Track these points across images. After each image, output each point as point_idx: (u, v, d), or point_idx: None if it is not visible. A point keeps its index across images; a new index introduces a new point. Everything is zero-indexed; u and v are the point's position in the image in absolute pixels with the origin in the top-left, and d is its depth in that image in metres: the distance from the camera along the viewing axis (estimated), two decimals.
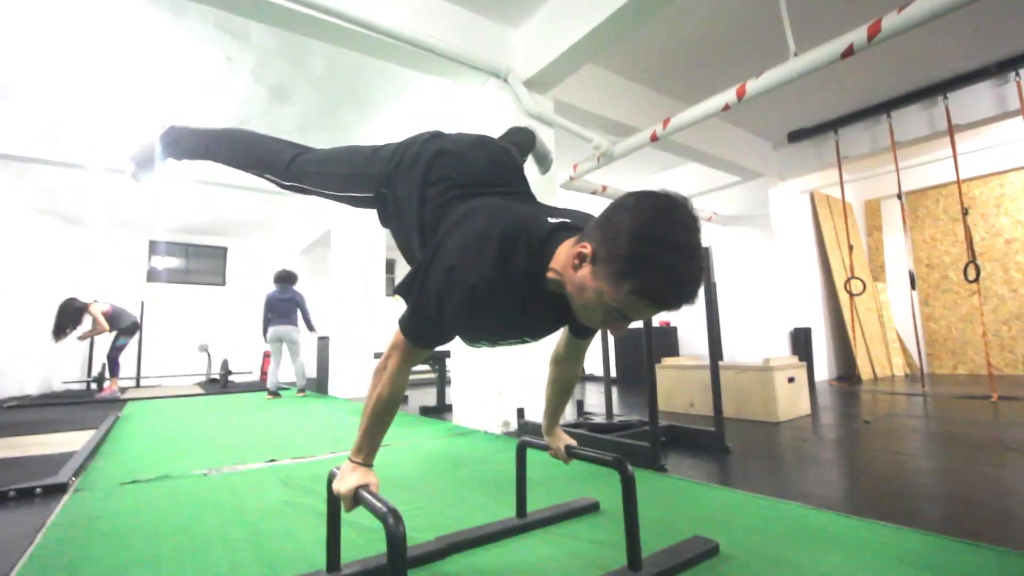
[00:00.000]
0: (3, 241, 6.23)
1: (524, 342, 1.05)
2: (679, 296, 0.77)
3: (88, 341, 7.29)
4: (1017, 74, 3.70)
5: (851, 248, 4.99)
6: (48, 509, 1.58)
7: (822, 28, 2.87)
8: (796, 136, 5.03)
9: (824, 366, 5.40)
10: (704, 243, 0.83)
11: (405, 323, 0.94)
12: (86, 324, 5.81)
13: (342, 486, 0.91)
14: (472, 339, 1.01)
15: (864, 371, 5.24)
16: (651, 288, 0.77)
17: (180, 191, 6.14)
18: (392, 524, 0.75)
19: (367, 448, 0.97)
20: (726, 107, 2.83)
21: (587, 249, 0.81)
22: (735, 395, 3.19)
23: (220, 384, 7.18)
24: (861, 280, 4.59)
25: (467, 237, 0.89)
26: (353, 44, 2.77)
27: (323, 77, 3.75)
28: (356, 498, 0.88)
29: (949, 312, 5.99)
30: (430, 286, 0.88)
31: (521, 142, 1.64)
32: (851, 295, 4.65)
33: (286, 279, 5.66)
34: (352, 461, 0.95)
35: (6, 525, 1.47)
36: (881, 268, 6.47)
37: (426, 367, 4.33)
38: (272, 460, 2.25)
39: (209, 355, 8.27)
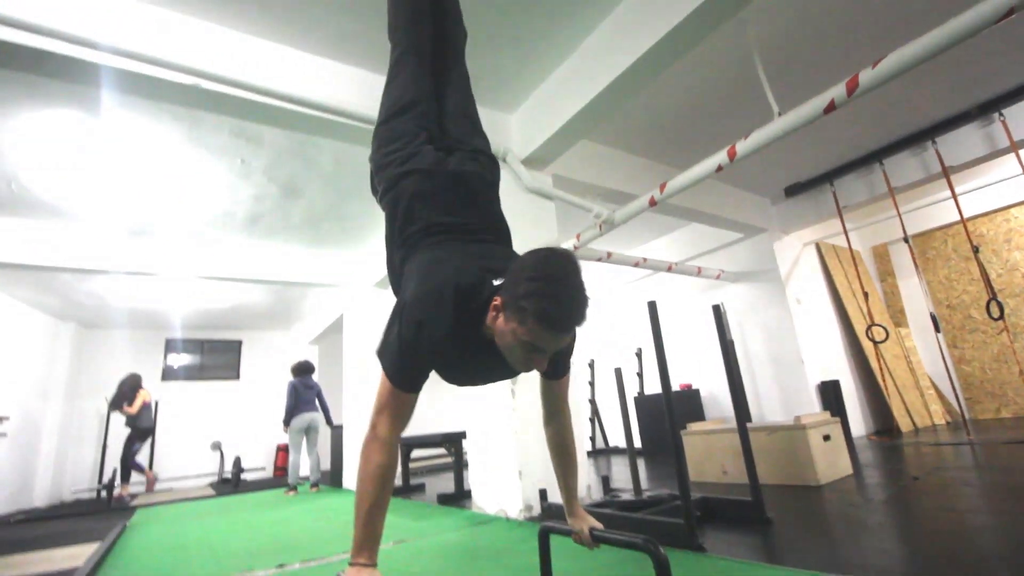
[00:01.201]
0: (24, 348, 6.34)
1: (492, 381, 1.21)
2: (568, 316, 0.96)
3: (100, 446, 7.20)
4: (1000, 114, 3.79)
5: (866, 295, 4.91)
6: None
7: (803, 86, 2.99)
8: (793, 190, 5.11)
9: (859, 420, 5.13)
10: (584, 279, 1.01)
11: (388, 366, 1.05)
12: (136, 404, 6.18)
13: None
14: (447, 378, 1.15)
15: (902, 422, 4.97)
16: (544, 314, 0.94)
17: (196, 287, 6.28)
18: None
19: (369, 542, 0.91)
20: (719, 168, 2.89)
21: (498, 301, 1.01)
22: (769, 458, 3.01)
23: (232, 484, 6.97)
24: (883, 327, 4.47)
25: (422, 295, 1.05)
26: (359, 139, 2.92)
27: (331, 172, 3.93)
28: None
29: (980, 352, 5.76)
30: (401, 336, 1.02)
31: None
32: (875, 343, 4.51)
33: (307, 369, 5.76)
34: (355, 564, 0.88)
35: None
36: (901, 313, 6.32)
37: (442, 451, 4.17)
38: (282, 565, 2.12)
39: (222, 453, 8.10)
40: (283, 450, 8.64)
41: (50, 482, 6.73)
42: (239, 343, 9.01)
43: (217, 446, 8.18)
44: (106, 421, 7.31)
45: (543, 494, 2.68)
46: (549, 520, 1.35)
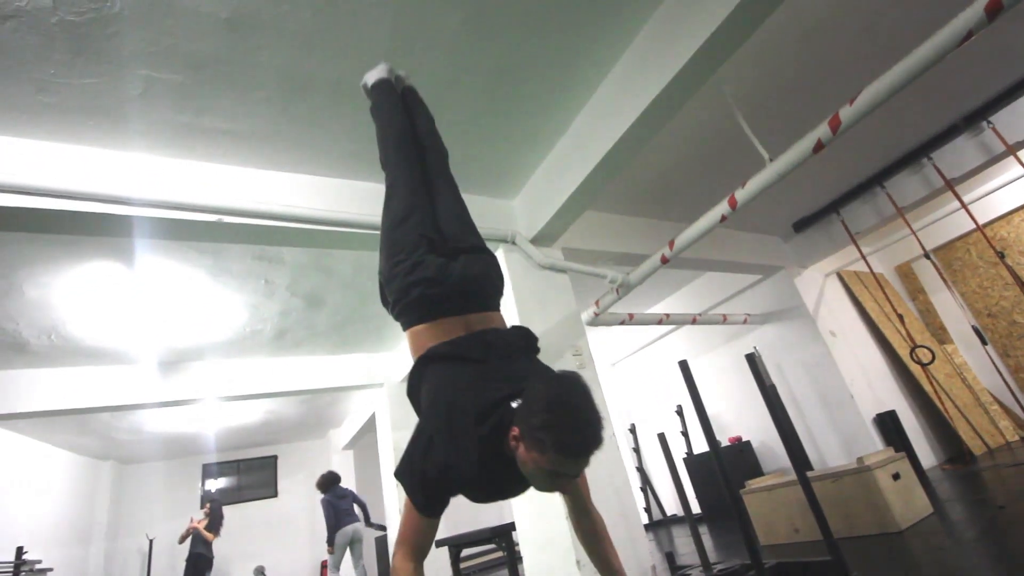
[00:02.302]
0: (63, 493, 6.36)
1: (514, 496, 1.22)
2: (586, 442, 1.00)
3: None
4: (988, 122, 3.85)
5: (901, 317, 4.78)
6: None
7: (789, 129, 3.10)
8: (801, 225, 5.13)
9: (926, 450, 4.80)
10: (595, 400, 1.05)
11: (411, 492, 1.08)
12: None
13: None
14: (472, 499, 1.16)
15: (973, 445, 4.64)
16: (563, 445, 0.98)
17: (229, 408, 6.34)
18: None
19: None
20: (723, 218, 2.94)
21: (516, 432, 1.04)
22: (840, 507, 2.81)
23: None
24: (927, 347, 4.30)
25: (444, 432, 1.09)
26: (373, 246, 3.04)
27: (350, 278, 4.07)
28: None
29: None
30: (426, 472, 1.07)
31: None
32: (922, 365, 4.32)
33: (334, 480, 5.71)
34: None
35: None
36: (942, 330, 6.09)
37: (491, 546, 3.96)
38: None
39: None
40: (326, 566, 8.28)
41: None
42: (274, 459, 8.93)
43: (260, 571, 7.87)
44: (148, 559, 7.15)
45: None
46: None
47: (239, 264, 3.55)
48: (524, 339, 1.34)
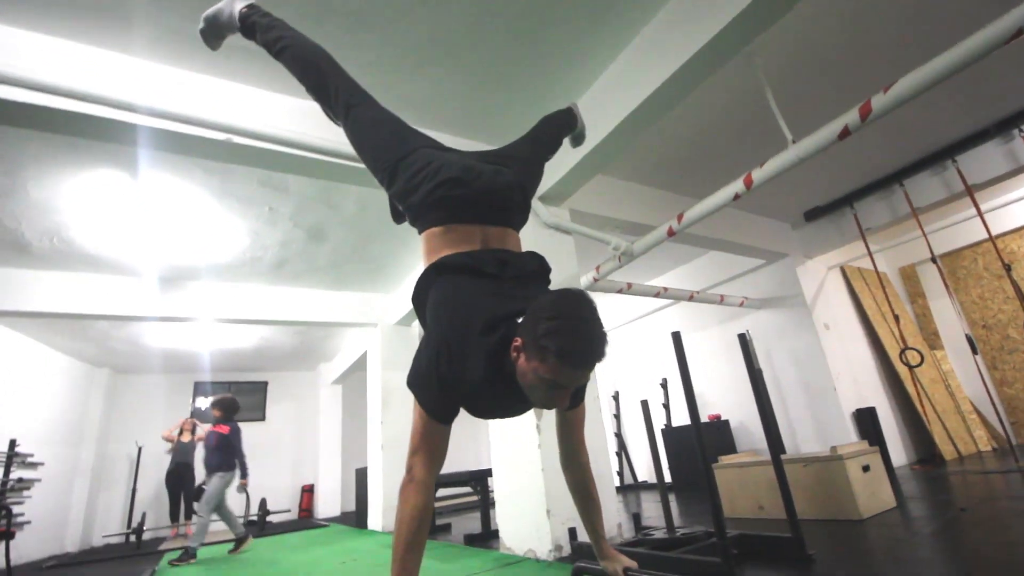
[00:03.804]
0: (59, 395, 6.53)
1: (515, 415, 1.24)
2: (589, 352, 1.00)
3: (130, 491, 7.29)
4: (1021, 130, 3.75)
5: (897, 318, 4.79)
6: None
7: (816, 112, 3.02)
8: (813, 215, 5.07)
9: (899, 449, 4.93)
10: (600, 316, 1.05)
11: (423, 398, 1.07)
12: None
13: None
14: (472, 411, 1.17)
15: (945, 450, 4.76)
16: (565, 352, 0.97)
17: (224, 330, 6.43)
18: None
19: None
20: (736, 197, 2.90)
21: (518, 342, 1.04)
22: (807, 491, 2.90)
23: (258, 527, 6.94)
24: (917, 350, 4.33)
25: (452, 337, 1.09)
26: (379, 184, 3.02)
27: (354, 216, 4.05)
28: None
29: (1022, 374, 5.52)
30: (441, 375, 1.06)
31: (560, 128, 1.86)
32: (910, 367, 4.37)
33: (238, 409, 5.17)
34: None
35: None
36: (935, 335, 6.13)
37: (467, 489, 4.11)
38: None
39: (248, 495, 8.08)
40: (308, 491, 8.62)
41: (81, 527, 6.79)
42: (265, 384, 9.13)
43: (243, 488, 8.17)
44: (136, 465, 7.42)
45: (572, 533, 2.62)
46: (580, 560, 1.32)
47: (244, 188, 3.52)
48: (539, 265, 1.31)
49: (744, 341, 2.37)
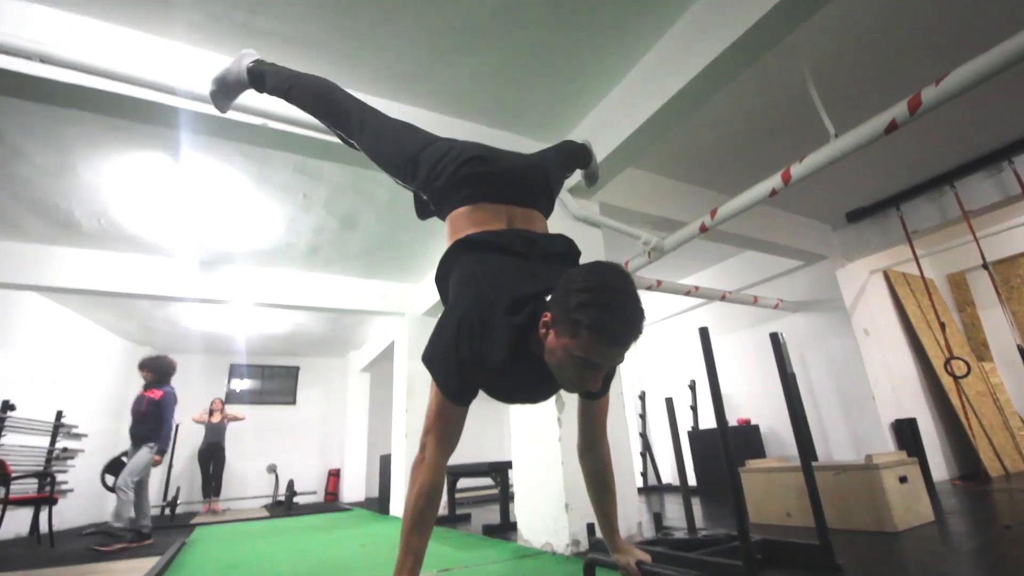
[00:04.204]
0: (103, 370, 6.84)
1: (538, 400, 1.19)
2: (625, 328, 0.91)
3: (167, 466, 7.59)
4: None
5: (943, 326, 4.56)
6: None
7: (861, 106, 2.88)
8: (855, 216, 4.87)
9: (940, 463, 4.69)
10: (637, 289, 0.98)
11: (439, 376, 1.02)
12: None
13: None
14: (494, 394, 1.11)
15: (991, 466, 4.51)
16: (600, 326, 0.90)
17: (259, 314, 6.62)
18: None
19: (411, 561, 0.90)
20: (773, 193, 2.80)
21: (547, 317, 0.98)
22: (838, 500, 2.79)
23: (285, 506, 7.13)
24: (964, 360, 4.11)
25: (474, 314, 1.03)
26: None
27: (386, 204, 4.09)
28: None
29: None
30: (460, 354, 1.00)
31: (575, 155, 1.77)
32: (955, 378, 4.15)
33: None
34: None
35: None
36: (984, 346, 5.81)
37: (488, 481, 4.12)
38: None
39: (277, 476, 8.34)
40: (334, 475, 8.81)
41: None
42: (296, 369, 9.36)
43: (272, 469, 8.43)
44: (173, 442, 7.71)
45: (591, 528, 2.59)
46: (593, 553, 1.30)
47: (281, 174, 3.59)
48: (568, 247, 1.25)
49: (776, 341, 2.28)
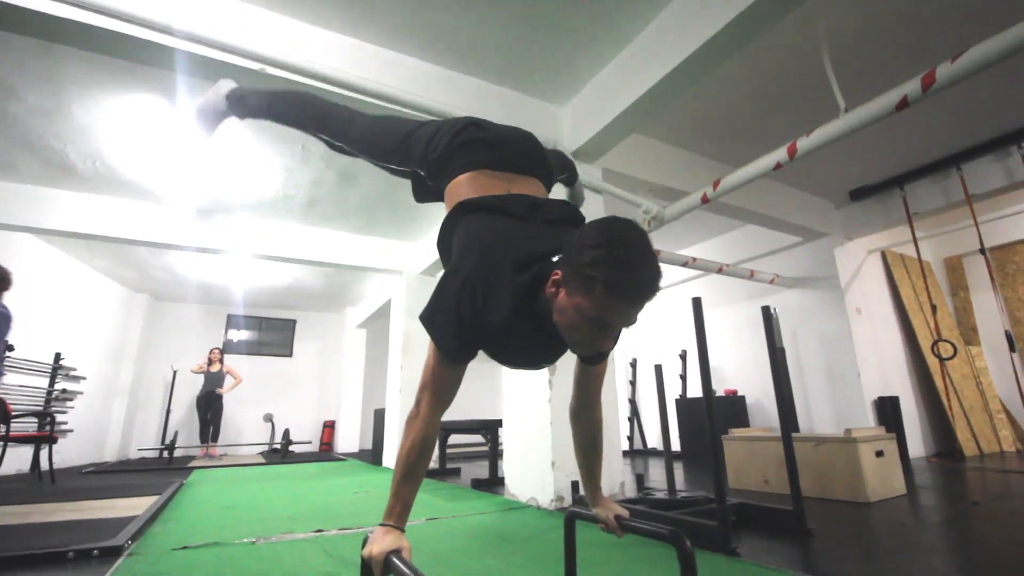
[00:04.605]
0: (101, 316, 6.88)
1: (540, 365, 1.17)
2: (642, 284, 0.86)
3: (165, 411, 7.73)
4: None
5: (934, 309, 4.60)
6: (101, 572, 1.61)
7: (873, 82, 2.83)
8: (859, 194, 4.84)
9: (918, 441, 4.83)
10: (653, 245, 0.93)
11: (437, 335, 1.00)
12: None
13: (373, 550, 0.86)
14: (496, 356, 1.09)
15: (967, 446, 4.64)
16: (616, 281, 0.85)
17: (257, 266, 6.62)
18: None
19: (400, 507, 0.93)
20: (778, 166, 2.78)
21: (558, 275, 0.93)
22: (815, 471, 2.89)
23: (280, 454, 7.31)
24: (951, 343, 4.17)
25: (478, 270, 0.99)
26: None
27: None
28: (387, 564, 0.84)
29: None
30: (460, 312, 0.97)
31: (564, 165, 1.72)
32: (941, 360, 4.23)
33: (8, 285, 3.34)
34: (384, 524, 0.92)
35: None
36: (973, 331, 5.88)
37: (478, 438, 4.23)
38: (319, 530, 2.22)
39: (273, 425, 8.52)
40: (329, 426, 9.01)
41: (120, 439, 7.30)
42: (293, 322, 9.44)
43: (269, 418, 8.61)
44: (171, 387, 7.85)
45: (575, 486, 2.68)
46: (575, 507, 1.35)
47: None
48: (572, 212, 1.20)
49: (768, 314, 2.31)
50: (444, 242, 1.24)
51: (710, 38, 2.28)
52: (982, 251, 4.17)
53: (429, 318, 1.01)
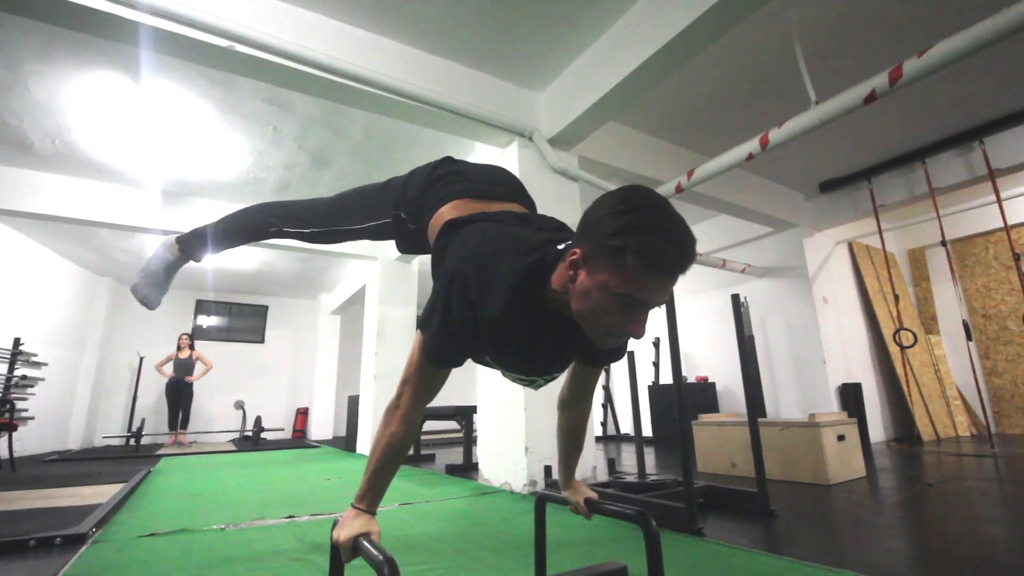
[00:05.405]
0: (62, 300, 6.64)
1: (537, 378, 1.04)
2: (679, 251, 0.76)
3: (131, 398, 7.53)
4: None
5: (897, 298, 4.77)
6: (64, 560, 1.57)
7: (843, 75, 2.88)
8: (828, 186, 4.95)
9: (879, 426, 5.03)
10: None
11: (429, 338, 0.91)
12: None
13: (342, 533, 0.86)
14: (499, 362, 1.00)
15: (924, 431, 4.85)
16: (650, 248, 0.74)
17: (226, 252, 6.44)
18: (387, 574, 0.70)
19: (372, 494, 0.92)
20: (750, 156, 2.83)
21: (577, 253, 0.81)
22: (780, 454, 2.98)
23: (252, 441, 7.22)
24: (911, 331, 4.34)
25: (472, 264, 0.91)
26: (387, 110, 2.94)
27: (360, 143, 3.96)
28: (355, 547, 0.84)
29: (1012, 366, 5.55)
30: (450, 310, 0.88)
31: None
32: (902, 348, 4.39)
33: None
34: (355, 508, 0.91)
35: (22, 573, 1.46)
36: (933, 320, 6.12)
37: (453, 424, 4.24)
38: (291, 516, 2.20)
39: (244, 412, 8.39)
40: (302, 413, 8.92)
41: (84, 427, 7.09)
42: (265, 308, 9.26)
43: (240, 405, 8.47)
44: (137, 374, 7.64)
45: (548, 471, 2.72)
46: (545, 491, 1.38)
47: (248, 104, 3.43)
48: (561, 224, 1.12)
49: (737, 303, 2.36)
50: (438, 262, 1.11)
51: (686, 27, 2.29)
52: (943, 243, 4.32)
53: (424, 321, 0.93)
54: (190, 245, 1.56)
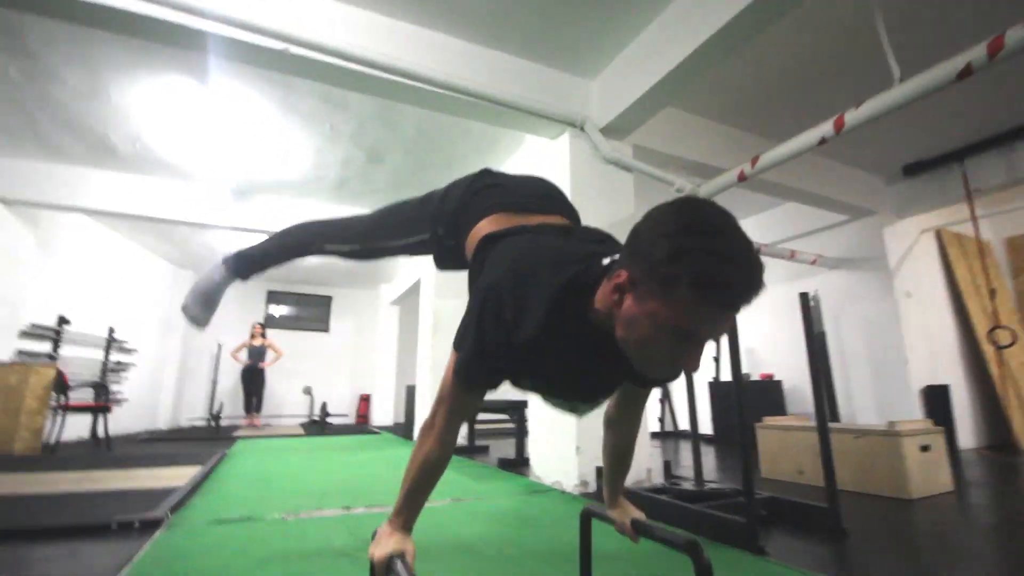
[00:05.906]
0: (148, 291, 7.20)
1: (580, 404, 1.00)
2: (743, 280, 0.65)
3: (211, 382, 8.10)
4: None
5: (993, 293, 4.30)
6: (140, 543, 1.69)
7: (932, 47, 2.59)
8: (913, 169, 4.52)
9: (968, 432, 4.58)
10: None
11: (460, 360, 0.88)
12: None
13: (377, 551, 0.86)
14: (534, 387, 0.96)
15: (1023, 439, 4.38)
16: (708, 276, 0.64)
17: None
18: None
19: (407, 512, 0.91)
20: (822, 141, 2.60)
21: (623, 276, 0.73)
22: (854, 464, 2.76)
23: (319, 426, 7.57)
24: (1010, 329, 3.90)
25: (507, 282, 0.85)
26: (439, 106, 2.95)
27: (413, 139, 4.01)
28: (389, 566, 0.83)
29: None
30: (483, 330, 0.84)
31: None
32: (998, 347, 3.96)
33: None
34: (391, 524, 0.90)
35: (101, 556, 1.59)
36: None
37: (504, 416, 4.25)
38: (347, 507, 2.27)
39: (312, 397, 8.82)
40: (365, 400, 9.27)
41: (171, 409, 7.71)
42: (329, 299, 9.67)
43: (308, 390, 8.92)
44: (216, 360, 8.19)
45: (599, 472, 2.66)
46: (592, 503, 1.32)
47: (306, 103, 3.53)
48: (606, 235, 1.04)
49: (805, 300, 2.20)
50: (476, 278, 1.07)
51: (749, 3, 2.12)
52: None
53: (458, 341, 0.89)
54: (237, 265, 1.59)
